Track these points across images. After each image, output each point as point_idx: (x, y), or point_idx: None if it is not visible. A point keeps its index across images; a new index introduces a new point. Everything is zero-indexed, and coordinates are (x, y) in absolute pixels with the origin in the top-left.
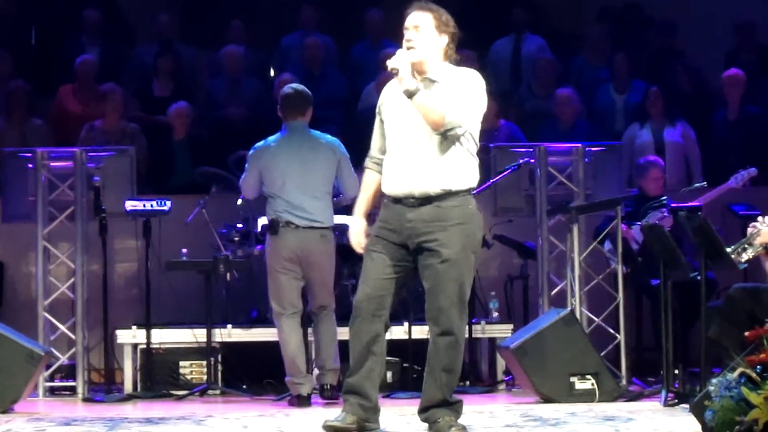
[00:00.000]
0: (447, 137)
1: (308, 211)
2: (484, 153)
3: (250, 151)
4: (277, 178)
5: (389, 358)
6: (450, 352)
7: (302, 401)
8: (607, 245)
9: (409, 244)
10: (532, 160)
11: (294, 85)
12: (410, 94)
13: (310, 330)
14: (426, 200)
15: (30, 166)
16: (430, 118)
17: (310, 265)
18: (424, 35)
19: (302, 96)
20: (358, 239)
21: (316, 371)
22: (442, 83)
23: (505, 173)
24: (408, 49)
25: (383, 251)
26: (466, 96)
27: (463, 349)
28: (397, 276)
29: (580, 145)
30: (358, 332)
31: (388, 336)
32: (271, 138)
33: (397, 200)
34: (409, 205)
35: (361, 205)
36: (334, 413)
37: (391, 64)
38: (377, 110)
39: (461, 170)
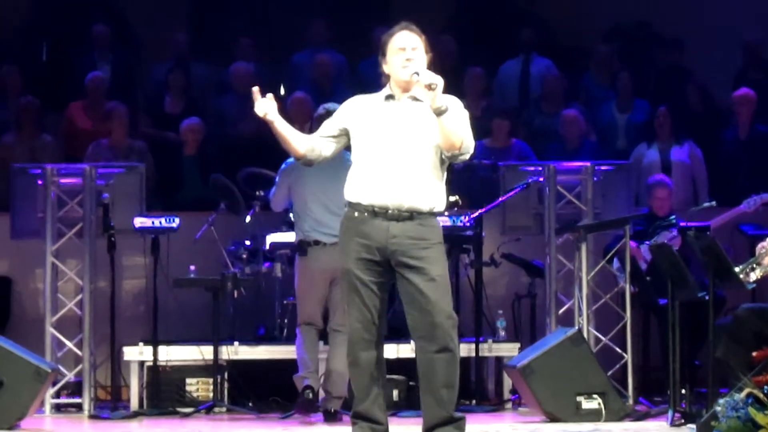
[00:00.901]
0: (456, 160)
1: (334, 228)
2: (493, 171)
3: (282, 166)
4: (305, 195)
5: (396, 376)
6: (449, 369)
7: (307, 397)
8: (616, 264)
9: (392, 260)
10: (541, 179)
11: (327, 105)
12: (440, 112)
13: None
14: (411, 216)
15: (39, 182)
16: (450, 140)
17: (336, 282)
18: (420, 56)
19: None
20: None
21: (322, 393)
22: (426, 104)
23: (513, 192)
24: (404, 68)
25: (367, 276)
26: (467, 124)
27: (459, 363)
28: (384, 296)
29: (589, 163)
30: (357, 361)
31: (395, 354)
32: None
33: (377, 213)
34: (393, 218)
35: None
36: (339, 431)
37: (429, 78)
38: (337, 119)
39: (442, 191)
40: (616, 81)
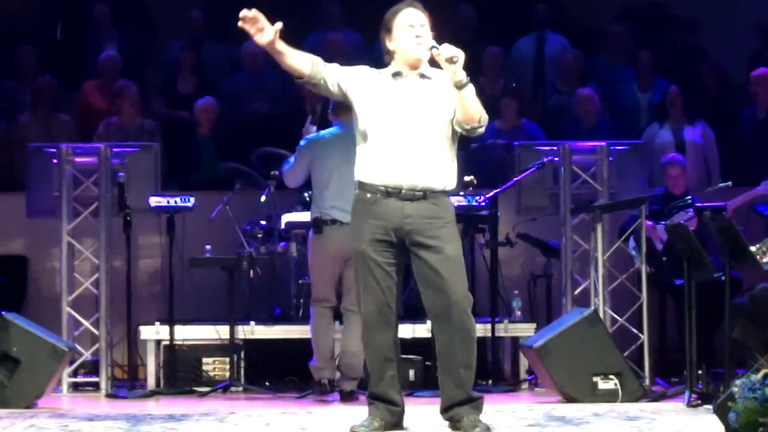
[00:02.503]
0: (474, 133)
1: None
2: (507, 151)
3: (302, 143)
4: (325, 172)
5: (412, 356)
6: (466, 348)
7: (323, 389)
8: (632, 244)
9: (406, 240)
10: (556, 159)
11: None
12: (462, 85)
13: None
14: (424, 195)
15: (55, 161)
16: (470, 113)
17: (349, 261)
18: (428, 33)
19: None
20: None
21: (337, 374)
22: (434, 81)
23: (528, 171)
24: (418, 45)
25: (382, 258)
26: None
27: (476, 342)
28: (398, 278)
29: (604, 143)
30: (371, 343)
31: (411, 334)
32: (324, 132)
33: (391, 193)
34: (407, 198)
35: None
36: (356, 412)
37: (451, 51)
38: (344, 75)
39: (454, 169)
40: (636, 60)
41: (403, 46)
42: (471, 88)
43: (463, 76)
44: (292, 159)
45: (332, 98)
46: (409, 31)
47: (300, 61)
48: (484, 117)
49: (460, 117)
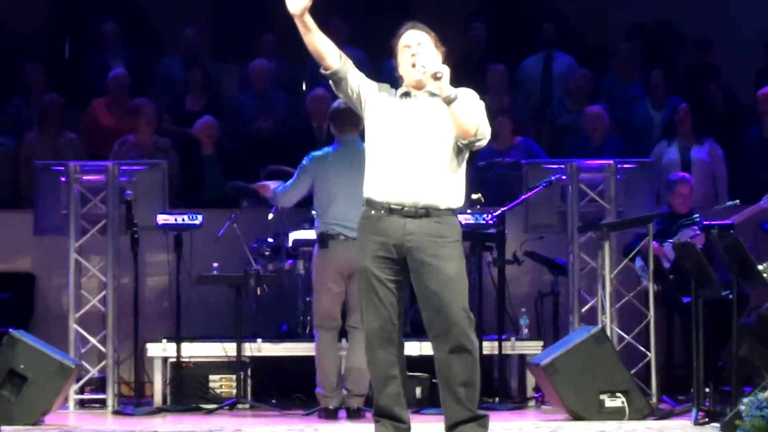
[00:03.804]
0: (473, 148)
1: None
2: (515, 169)
3: (304, 161)
4: (330, 190)
5: (419, 374)
6: (466, 367)
7: (329, 414)
8: (639, 262)
9: (408, 257)
10: (564, 177)
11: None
12: (450, 101)
13: (345, 343)
14: (427, 213)
15: (62, 179)
16: (464, 127)
17: (354, 278)
18: (427, 50)
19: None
20: None
21: (344, 391)
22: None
23: (536, 189)
24: (413, 65)
25: (384, 274)
26: (483, 112)
27: (478, 361)
28: (401, 295)
29: (612, 161)
30: (374, 360)
31: (417, 351)
32: (326, 149)
33: (393, 210)
34: (409, 215)
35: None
36: (363, 429)
37: (435, 67)
38: (364, 84)
39: (461, 188)
40: (645, 78)
41: (403, 69)
42: (461, 103)
43: (450, 91)
44: (293, 179)
45: (346, 100)
46: (406, 52)
47: (328, 49)
48: (482, 130)
49: (455, 132)
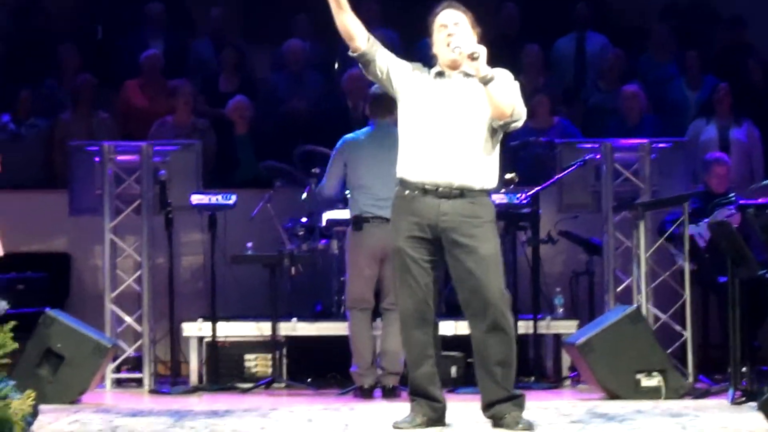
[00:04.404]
0: (508, 129)
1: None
2: (549, 149)
3: (338, 144)
4: (363, 171)
5: (454, 353)
6: (502, 346)
7: (365, 393)
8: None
9: (443, 237)
10: (598, 156)
11: None
12: (486, 81)
13: (379, 323)
14: (461, 194)
15: (97, 159)
16: (500, 108)
17: (387, 260)
18: (463, 30)
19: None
20: None
21: (379, 370)
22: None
23: (570, 169)
24: (448, 45)
25: (418, 254)
26: (518, 93)
27: (514, 340)
28: (435, 274)
29: (646, 141)
30: (409, 340)
31: (453, 331)
32: (359, 132)
33: (428, 191)
34: (443, 196)
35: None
36: (398, 408)
37: (471, 47)
38: (395, 66)
39: (495, 168)
40: (680, 58)
41: (438, 48)
42: (497, 84)
43: (487, 71)
44: (329, 165)
45: (376, 82)
46: (442, 31)
47: (357, 30)
48: (518, 111)
49: (491, 112)
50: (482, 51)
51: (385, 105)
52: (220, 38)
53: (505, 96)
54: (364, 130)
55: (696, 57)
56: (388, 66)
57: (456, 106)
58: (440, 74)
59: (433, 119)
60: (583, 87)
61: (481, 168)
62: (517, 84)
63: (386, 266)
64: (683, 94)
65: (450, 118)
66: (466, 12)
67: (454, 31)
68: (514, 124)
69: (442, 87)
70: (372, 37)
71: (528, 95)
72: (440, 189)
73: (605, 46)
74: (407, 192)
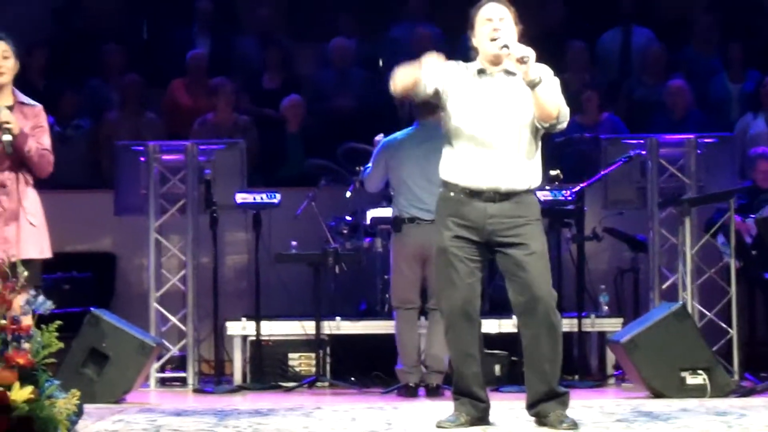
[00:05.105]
0: (554, 130)
1: (432, 204)
2: (594, 145)
3: (381, 144)
4: (403, 172)
5: (497, 351)
6: (552, 343)
7: (409, 391)
8: (720, 239)
9: (490, 240)
10: (644, 152)
11: None
12: (534, 84)
13: (424, 321)
14: (507, 196)
15: (142, 159)
16: (546, 111)
17: (430, 261)
18: (508, 27)
19: None
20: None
21: (423, 369)
22: (519, 78)
23: (615, 165)
24: (492, 40)
25: (464, 254)
26: (560, 92)
27: (561, 337)
28: (480, 275)
29: (692, 136)
30: (454, 340)
31: (497, 329)
32: (402, 132)
33: (474, 194)
34: (489, 199)
35: None
36: (442, 407)
37: (521, 51)
38: (444, 75)
39: (538, 167)
40: (723, 51)
41: (481, 42)
42: (545, 86)
43: (535, 75)
44: (370, 164)
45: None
46: (487, 25)
47: (417, 87)
48: (563, 112)
49: (537, 115)
50: (531, 54)
51: (429, 105)
52: (266, 36)
53: (552, 98)
54: (406, 130)
55: (740, 49)
56: (435, 87)
57: (501, 107)
58: (482, 72)
59: (478, 122)
60: (627, 81)
61: (526, 169)
62: (557, 80)
63: (429, 267)
64: (725, 87)
65: (495, 121)
66: (509, 7)
67: (499, 26)
68: (559, 126)
69: (486, 87)
70: (422, 80)
71: (574, 91)
72: (486, 193)
73: (651, 39)
74: (452, 194)
